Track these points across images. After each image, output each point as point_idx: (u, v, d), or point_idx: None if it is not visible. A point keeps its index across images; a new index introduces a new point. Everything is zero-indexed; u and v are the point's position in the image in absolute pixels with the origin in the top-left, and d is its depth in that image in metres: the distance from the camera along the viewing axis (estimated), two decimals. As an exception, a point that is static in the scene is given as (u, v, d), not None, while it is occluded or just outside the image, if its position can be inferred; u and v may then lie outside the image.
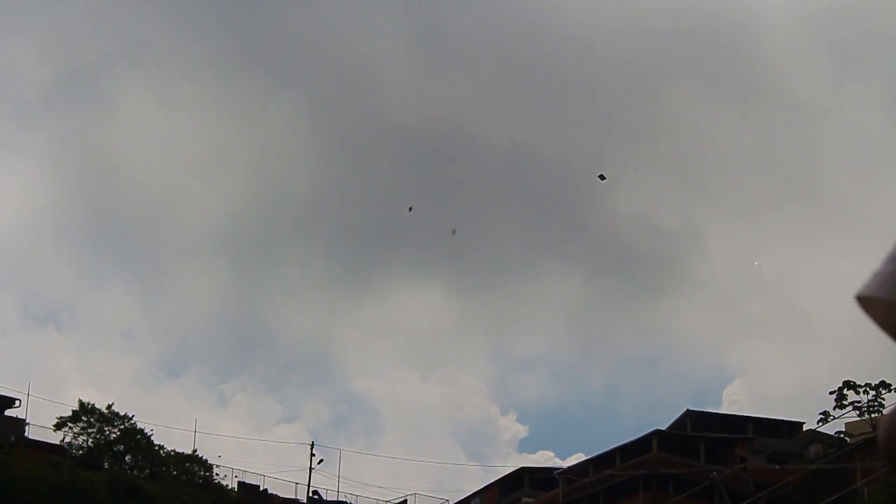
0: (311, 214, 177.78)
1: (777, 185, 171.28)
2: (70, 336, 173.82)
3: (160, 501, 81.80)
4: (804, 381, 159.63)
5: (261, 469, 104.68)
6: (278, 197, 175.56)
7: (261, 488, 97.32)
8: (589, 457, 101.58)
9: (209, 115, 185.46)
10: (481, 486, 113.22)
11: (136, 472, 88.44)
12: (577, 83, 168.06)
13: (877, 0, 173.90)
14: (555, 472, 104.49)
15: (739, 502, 75.21)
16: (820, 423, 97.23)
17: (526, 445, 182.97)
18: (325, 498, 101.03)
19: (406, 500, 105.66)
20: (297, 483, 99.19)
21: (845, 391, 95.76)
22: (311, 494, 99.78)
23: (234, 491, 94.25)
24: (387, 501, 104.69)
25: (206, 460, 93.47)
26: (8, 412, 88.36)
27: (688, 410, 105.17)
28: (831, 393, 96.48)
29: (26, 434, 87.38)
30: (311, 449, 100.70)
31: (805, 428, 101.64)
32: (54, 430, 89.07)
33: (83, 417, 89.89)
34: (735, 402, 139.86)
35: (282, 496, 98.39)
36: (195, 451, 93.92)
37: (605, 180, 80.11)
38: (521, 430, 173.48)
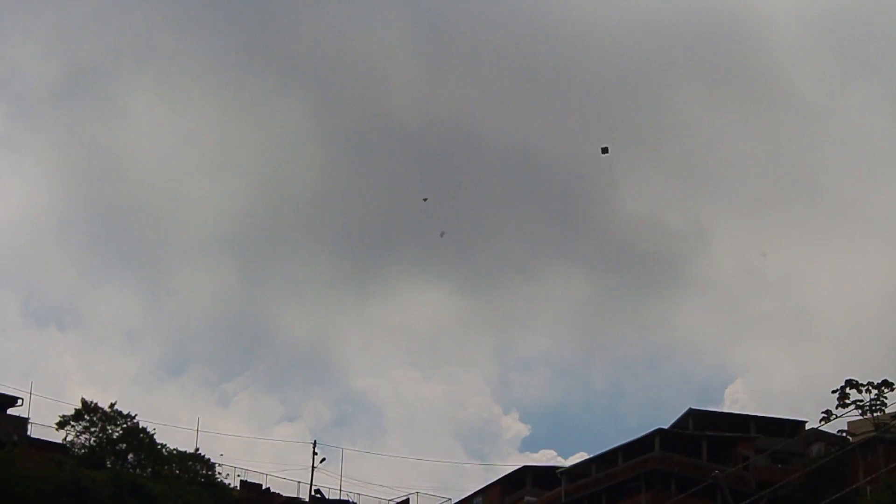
0: (316, 214, 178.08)
1: (781, 185, 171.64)
2: (73, 335, 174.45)
3: (162, 500, 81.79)
4: (806, 380, 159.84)
5: (263, 468, 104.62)
6: (282, 196, 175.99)
7: (263, 487, 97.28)
8: (591, 456, 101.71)
9: (214, 114, 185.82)
10: (484, 485, 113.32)
11: (138, 470, 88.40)
12: (582, 84, 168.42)
13: (880, 1, 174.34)
14: (557, 471, 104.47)
15: (742, 501, 75.02)
16: (822, 422, 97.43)
17: (528, 444, 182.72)
18: (327, 497, 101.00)
19: (408, 499, 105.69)
20: (299, 482, 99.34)
21: (847, 390, 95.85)
22: (313, 493, 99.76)
23: (237, 490, 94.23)
24: (389, 500, 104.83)
25: (209, 459, 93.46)
26: (10, 411, 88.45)
27: (690, 409, 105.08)
28: (833, 392, 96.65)
29: (29, 433, 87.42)
30: (314, 448, 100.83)
31: (807, 427, 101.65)
32: (57, 429, 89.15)
33: (86, 416, 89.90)
34: (737, 400, 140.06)
35: (284, 495, 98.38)
36: (197, 449, 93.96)
37: (607, 153, 79.53)
38: (524, 429, 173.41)
